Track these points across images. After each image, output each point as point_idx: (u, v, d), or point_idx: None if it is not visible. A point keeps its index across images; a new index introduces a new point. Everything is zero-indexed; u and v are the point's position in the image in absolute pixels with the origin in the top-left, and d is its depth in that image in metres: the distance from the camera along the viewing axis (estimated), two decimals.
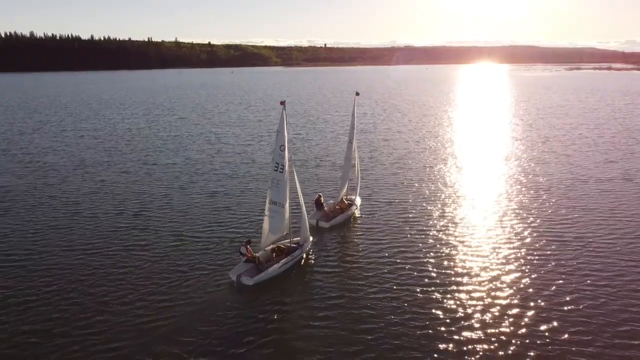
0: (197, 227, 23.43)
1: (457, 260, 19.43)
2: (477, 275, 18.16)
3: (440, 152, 41.74)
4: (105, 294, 16.64)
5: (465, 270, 18.51)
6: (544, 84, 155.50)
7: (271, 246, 19.80)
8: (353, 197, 25.97)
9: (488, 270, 18.61)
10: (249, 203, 27.37)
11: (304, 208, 19.95)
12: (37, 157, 40.40)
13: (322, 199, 24.71)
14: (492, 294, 16.71)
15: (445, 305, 15.87)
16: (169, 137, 50.38)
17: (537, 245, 21.14)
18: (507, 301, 16.24)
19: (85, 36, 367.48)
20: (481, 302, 16.10)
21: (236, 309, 15.81)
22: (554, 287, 17.19)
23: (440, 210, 25.81)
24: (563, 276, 18.08)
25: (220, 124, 61.03)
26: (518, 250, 20.54)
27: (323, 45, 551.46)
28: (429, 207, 26.29)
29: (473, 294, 16.63)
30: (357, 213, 25.39)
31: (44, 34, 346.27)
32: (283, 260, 18.71)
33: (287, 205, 19.19)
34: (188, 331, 14.41)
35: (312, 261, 19.85)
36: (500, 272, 18.37)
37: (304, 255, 19.87)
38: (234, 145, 45.50)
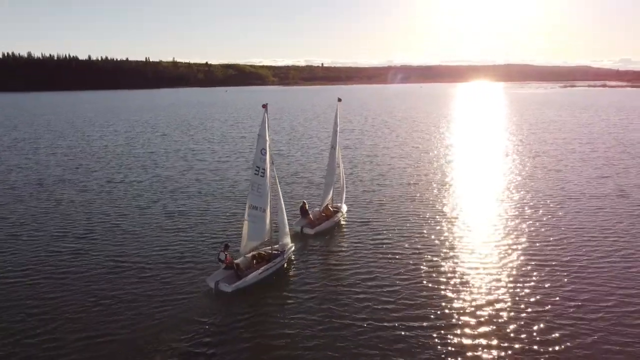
0: (172, 235, 23.13)
1: (441, 271, 18.73)
2: (462, 285, 17.50)
3: (428, 167, 39.82)
4: (77, 302, 16.22)
5: (449, 281, 17.81)
6: (538, 100, 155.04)
7: (252, 253, 19.29)
8: (339, 204, 25.85)
9: (473, 283, 17.70)
10: (225, 212, 27.17)
11: (284, 214, 19.70)
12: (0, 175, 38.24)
13: (306, 206, 24.56)
14: (476, 306, 15.97)
15: (428, 314, 15.40)
16: (144, 154, 48.27)
17: (526, 263, 19.23)
18: (490, 312, 15.55)
19: (83, 56, 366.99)
20: (465, 314, 15.45)
21: (213, 316, 15.36)
22: (542, 310, 15.63)
23: (426, 221, 25.11)
24: (552, 299, 16.19)
25: (201, 140, 59.11)
26: (505, 265, 19.29)
27: (320, 65, 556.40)
28: (414, 217, 25.72)
29: (456, 304, 16.01)
30: (343, 220, 25.20)
31: (42, 54, 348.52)
32: (263, 267, 18.22)
33: (268, 211, 18.82)
34: (162, 340, 13.96)
35: (295, 268, 19.40)
36: (485, 289, 17.28)
37: (286, 263, 19.39)
38: (209, 162, 43.39)
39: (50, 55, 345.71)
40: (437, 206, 27.97)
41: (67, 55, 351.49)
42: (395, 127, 72.79)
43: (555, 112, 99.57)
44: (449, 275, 18.35)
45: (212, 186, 33.61)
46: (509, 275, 18.28)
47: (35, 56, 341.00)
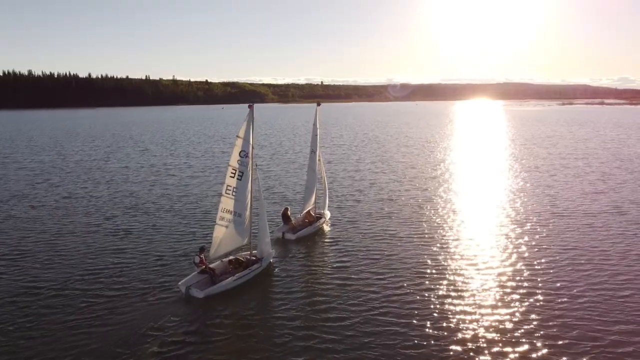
0: (145, 241, 22.73)
1: (424, 279, 17.98)
2: (445, 293, 16.78)
3: (415, 180, 37.39)
4: (45, 307, 15.63)
5: (433, 289, 17.01)
6: (536, 116, 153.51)
7: (229, 258, 18.55)
8: (322, 210, 25.67)
9: (458, 292, 16.84)
10: (200, 217, 27.01)
11: (265, 219, 18.87)
12: None
13: (289, 211, 24.38)
14: (460, 317, 15.12)
15: (410, 321, 14.70)
16: (117, 168, 45.95)
17: (514, 283, 16.98)
18: (471, 327, 14.61)
19: (83, 74, 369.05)
20: (446, 321, 14.78)
21: (182, 321, 14.62)
22: (532, 333, 13.95)
23: (410, 228, 24.55)
24: (544, 323, 14.39)
25: (181, 155, 56.93)
26: (492, 281, 17.81)
27: (320, 83, 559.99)
28: (399, 226, 25.02)
29: (439, 314, 15.21)
30: (326, 226, 25.02)
31: (42, 72, 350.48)
32: (238, 274, 17.44)
33: (246, 215, 18.04)
34: (124, 347, 13.17)
35: (274, 274, 18.72)
36: (473, 299, 16.29)
37: (265, 269, 18.63)
38: (180, 177, 41.04)
39: (50, 73, 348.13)
40: (422, 218, 26.71)
41: (68, 74, 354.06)
42: (385, 142, 70.69)
43: (552, 128, 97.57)
44: (433, 283, 17.50)
45: (186, 195, 31.17)
46: (495, 293, 16.56)
47: (36, 74, 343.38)
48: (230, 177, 17.38)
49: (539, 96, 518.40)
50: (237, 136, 17.35)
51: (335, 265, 19.46)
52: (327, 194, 26.44)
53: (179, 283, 16.55)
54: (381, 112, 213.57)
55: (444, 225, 25.14)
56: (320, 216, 25.15)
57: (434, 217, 26.83)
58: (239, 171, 17.36)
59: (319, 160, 24.87)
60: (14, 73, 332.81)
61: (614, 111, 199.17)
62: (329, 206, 26.56)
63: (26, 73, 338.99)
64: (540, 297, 16.22)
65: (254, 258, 18.65)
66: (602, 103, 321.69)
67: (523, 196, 32.02)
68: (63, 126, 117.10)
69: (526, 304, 15.76)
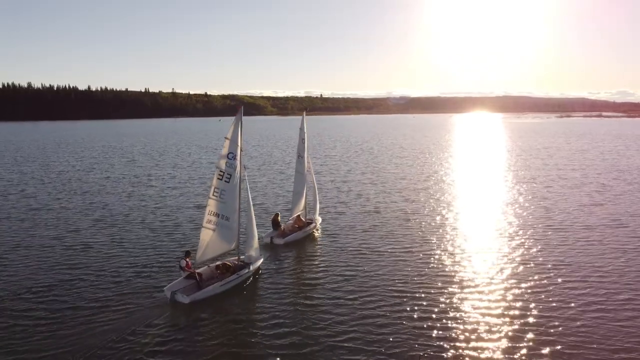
0: (130, 246, 22.55)
1: (414, 287, 17.18)
2: (433, 298, 16.28)
3: (410, 190, 35.71)
4: (28, 310, 15.24)
5: (423, 299, 16.25)
6: (534, 128, 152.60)
7: (217, 263, 18.15)
8: (313, 216, 25.51)
9: (446, 305, 15.81)
10: (187, 222, 26.92)
11: (254, 224, 18.44)
12: None
13: (279, 217, 24.30)
14: (447, 333, 14.08)
15: (397, 326, 14.07)
16: (98, 179, 44.32)
17: (505, 296, 15.34)
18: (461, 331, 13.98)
19: (82, 86, 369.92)
20: (434, 329, 14.16)
21: (167, 327, 14.14)
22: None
23: (398, 239, 23.68)
24: (537, 346, 12.76)
25: (165, 166, 55.39)
26: (485, 293, 16.64)
27: (319, 96, 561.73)
28: (391, 234, 24.41)
29: (427, 321, 14.55)
30: (318, 232, 24.92)
31: (42, 84, 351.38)
32: (226, 280, 17.00)
33: (235, 219, 17.69)
34: (106, 351, 12.71)
35: (262, 280, 18.26)
36: (461, 320, 14.90)
37: (252, 275, 18.18)
38: (161, 187, 39.43)
39: (50, 85, 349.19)
40: (410, 229, 25.64)
41: (67, 86, 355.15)
42: (378, 153, 69.23)
43: (550, 140, 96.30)
44: (423, 293, 16.69)
45: (164, 207, 29.51)
46: (487, 309, 15.18)
47: (35, 87, 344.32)
48: (218, 179, 17.02)
49: (538, 109, 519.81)
50: (225, 138, 17.03)
51: (323, 271, 18.96)
52: (317, 199, 26.17)
53: (165, 288, 16.08)
54: (379, 124, 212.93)
55: (433, 238, 23.65)
56: (310, 221, 24.97)
57: (423, 228, 25.60)
58: (227, 173, 17.01)
59: (309, 165, 24.97)
60: (14, 85, 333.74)
61: (612, 123, 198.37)
62: (320, 212, 26.57)
63: (25, 85, 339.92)
64: (532, 320, 14.45)
65: (242, 263, 18.21)
66: (600, 115, 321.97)
67: (517, 208, 30.36)
68: (55, 137, 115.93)
69: (518, 325, 14.06)
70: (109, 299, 16.06)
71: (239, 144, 17.04)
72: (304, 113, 25.10)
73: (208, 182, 41.40)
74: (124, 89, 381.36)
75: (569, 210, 29.54)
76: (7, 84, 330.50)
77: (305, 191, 24.86)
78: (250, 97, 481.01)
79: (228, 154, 16.94)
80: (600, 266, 19.18)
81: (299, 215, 24.72)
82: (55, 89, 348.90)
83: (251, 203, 18.76)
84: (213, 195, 17.08)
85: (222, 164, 16.96)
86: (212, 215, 17.18)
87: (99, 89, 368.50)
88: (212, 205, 17.14)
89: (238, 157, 17.10)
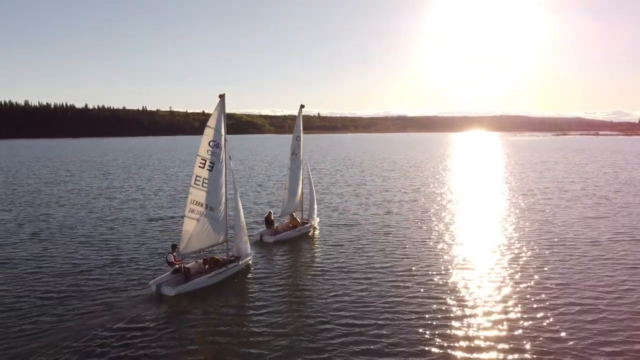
0: (116, 241, 22.84)
1: (407, 291, 16.13)
2: (421, 306, 14.99)
3: (402, 199, 33.43)
4: (8, 304, 14.84)
5: (418, 304, 15.10)
6: (530, 145, 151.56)
7: (205, 257, 17.70)
8: (311, 216, 25.06)
9: (434, 322, 13.91)
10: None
11: (241, 217, 18.05)
12: None
13: (272, 216, 23.91)
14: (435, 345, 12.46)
15: (389, 329, 13.13)
16: (62, 192, 42.07)
17: (500, 321, 13.05)
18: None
19: (80, 104, 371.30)
20: (420, 326, 13.39)
21: (151, 321, 13.63)
22: None
23: (396, 241, 22.98)
24: None
25: (145, 178, 53.26)
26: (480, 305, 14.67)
27: (317, 115, 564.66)
28: (387, 240, 23.33)
29: (418, 322, 13.59)
30: (316, 232, 24.59)
31: (39, 102, 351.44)
32: (213, 272, 16.69)
33: (221, 210, 17.19)
34: (79, 344, 12.17)
35: (251, 276, 17.83)
36: (456, 319, 13.88)
37: (242, 269, 17.93)
38: (132, 200, 37.19)
39: (47, 103, 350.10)
40: (409, 235, 24.43)
41: (65, 104, 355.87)
42: (369, 167, 67.33)
43: (548, 155, 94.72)
44: (417, 298, 15.61)
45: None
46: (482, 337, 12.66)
47: (33, 105, 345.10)
48: (200, 167, 16.49)
49: (534, 128, 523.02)
50: (207, 126, 16.51)
51: (314, 270, 18.46)
52: (315, 199, 25.50)
53: (150, 282, 15.72)
54: (375, 141, 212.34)
55: (432, 245, 21.80)
56: (306, 222, 24.54)
57: (423, 234, 24.19)
58: (209, 161, 16.52)
59: (307, 166, 24.58)
60: (11, 103, 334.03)
61: (610, 140, 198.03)
62: (317, 213, 26.23)
63: (23, 104, 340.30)
64: (529, 346, 12.16)
65: (231, 258, 17.86)
66: (596, 134, 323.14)
67: (511, 222, 28.22)
68: (42, 154, 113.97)
69: (516, 352, 11.69)
70: (93, 293, 15.69)
71: (223, 133, 16.54)
72: (300, 108, 23.68)
73: (180, 194, 39.20)
74: (121, 107, 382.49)
75: (570, 223, 27.40)
76: (5, 102, 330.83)
77: (300, 190, 24.24)
78: (248, 115, 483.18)
79: (210, 142, 16.39)
80: (603, 278, 17.01)
81: (294, 215, 24.27)
82: (52, 107, 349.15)
83: (238, 196, 18.17)
84: (195, 183, 16.56)
85: (204, 152, 16.42)
86: (195, 205, 16.62)
87: (97, 107, 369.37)
88: (194, 194, 16.61)
89: (222, 146, 16.59)
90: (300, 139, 23.57)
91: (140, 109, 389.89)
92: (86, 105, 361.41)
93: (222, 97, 16.49)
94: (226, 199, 17.37)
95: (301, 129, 23.53)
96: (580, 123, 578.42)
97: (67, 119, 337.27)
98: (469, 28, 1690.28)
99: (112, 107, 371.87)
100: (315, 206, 25.57)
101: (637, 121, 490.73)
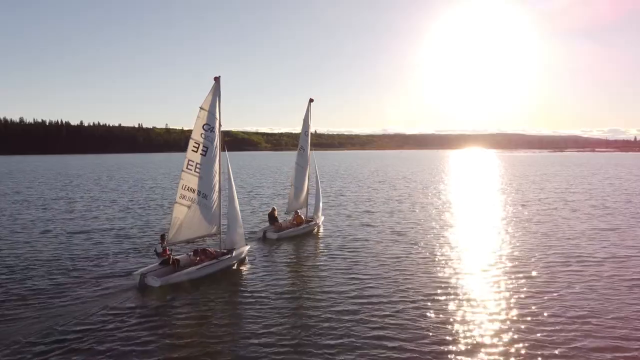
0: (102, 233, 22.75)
1: (406, 294, 14.75)
2: (424, 301, 14.00)
3: (400, 208, 30.43)
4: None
5: (416, 308, 13.54)
6: (527, 161, 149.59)
7: (196, 248, 17.12)
8: (316, 214, 24.64)
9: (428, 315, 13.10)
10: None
11: (237, 208, 17.55)
12: None
13: (276, 212, 23.58)
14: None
15: (388, 328, 12.01)
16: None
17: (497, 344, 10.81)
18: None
19: (75, 121, 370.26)
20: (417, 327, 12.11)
21: (135, 312, 12.87)
22: None
23: (402, 245, 21.52)
24: None
25: (128, 191, 50.24)
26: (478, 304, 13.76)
27: (313, 132, 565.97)
28: (391, 240, 22.45)
29: (417, 325, 12.23)
30: (320, 230, 24.14)
31: (34, 119, 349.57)
32: (205, 263, 15.97)
33: (214, 198, 16.63)
34: (57, 335, 11.48)
35: (246, 270, 17.12)
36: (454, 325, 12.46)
37: (235, 263, 17.26)
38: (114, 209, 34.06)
39: (42, 120, 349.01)
40: (414, 238, 23.31)
41: (60, 121, 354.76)
42: (362, 178, 64.48)
43: (546, 168, 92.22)
44: (419, 300, 14.32)
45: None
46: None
47: (27, 121, 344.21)
48: (193, 151, 15.79)
49: (531, 146, 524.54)
50: (201, 108, 15.71)
51: (314, 268, 17.77)
52: (320, 196, 25.00)
53: (134, 272, 15.18)
54: (372, 158, 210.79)
55: (433, 249, 19.85)
56: (311, 220, 24.13)
57: (426, 239, 22.76)
58: (203, 145, 15.88)
59: (314, 164, 24.35)
60: (5, 120, 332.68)
61: (607, 156, 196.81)
62: (323, 212, 25.79)
63: (18, 120, 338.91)
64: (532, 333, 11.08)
65: (224, 250, 17.14)
66: (593, 150, 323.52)
67: (506, 235, 25.22)
68: (32, 170, 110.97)
69: (518, 336, 11.09)
70: (77, 283, 15.17)
71: (218, 117, 16.00)
72: (309, 103, 23.12)
73: (161, 206, 36.17)
74: (117, 124, 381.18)
75: (573, 237, 24.39)
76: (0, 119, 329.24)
77: (306, 186, 23.78)
78: (245, 132, 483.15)
79: (204, 125, 15.78)
80: (612, 311, 13.88)
81: (298, 213, 23.90)
82: (47, 124, 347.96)
83: (233, 184, 17.56)
84: (187, 168, 15.84)
85: (198, 135, 15.75)
86: (187, 191, 15.95)
87: (92, 124, 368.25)
88: (186, 179, 15.90)
89: (217, 131, 16.03)
90: (308, 134, 23.20)
91: (136, 126, 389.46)
92: (81, 122, 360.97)
93: (217, 79, 15.85)
94: (220, 188, 16.72)
95: (309, 124, 23.16)
96: (577, 141, 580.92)
97: (61, 135, 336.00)
98: (466, 47, 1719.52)
99: (107, 124, 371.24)
100: (321, 204, 24.94)
101: (633, 139, 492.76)
